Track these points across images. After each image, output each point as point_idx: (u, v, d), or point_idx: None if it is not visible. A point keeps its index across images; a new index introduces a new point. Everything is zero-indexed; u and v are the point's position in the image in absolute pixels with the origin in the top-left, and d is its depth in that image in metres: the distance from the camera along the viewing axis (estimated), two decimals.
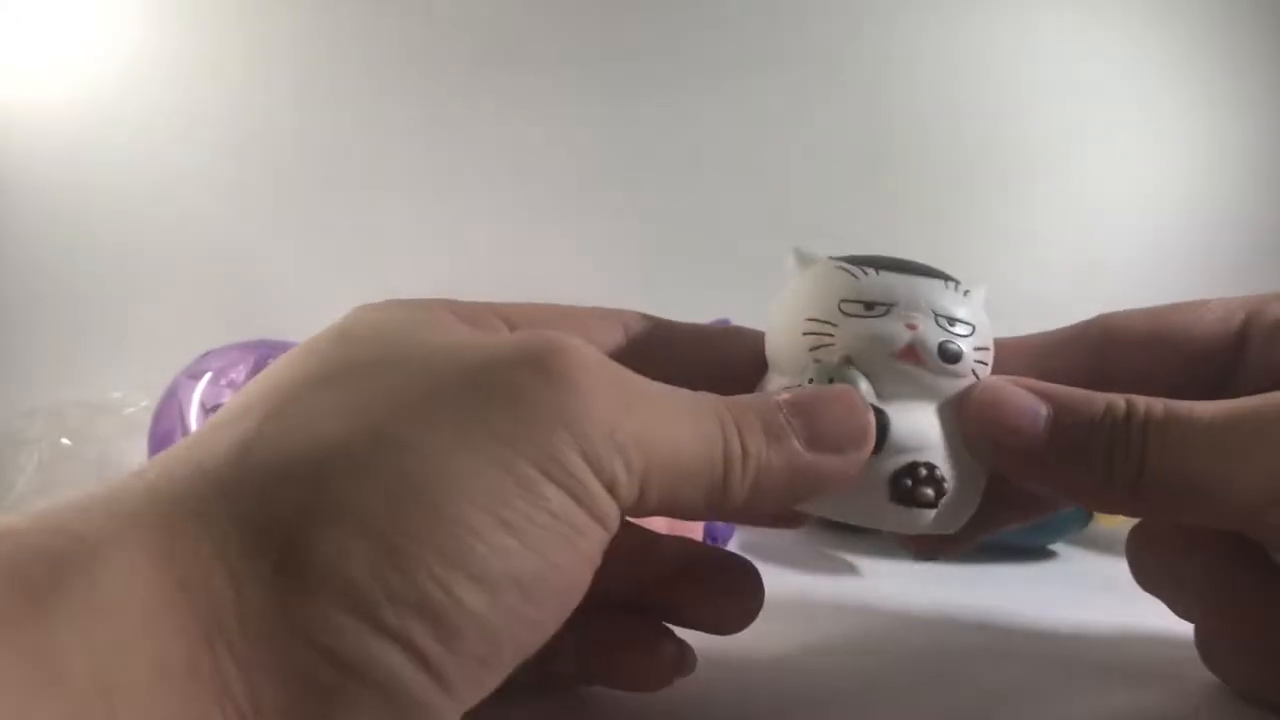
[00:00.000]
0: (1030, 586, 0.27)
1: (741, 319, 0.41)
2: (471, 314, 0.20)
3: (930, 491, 0.20)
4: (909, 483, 0.20)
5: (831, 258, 0.22)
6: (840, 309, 0.21)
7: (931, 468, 0.20)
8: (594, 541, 0.16)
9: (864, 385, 0.20)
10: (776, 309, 0.22)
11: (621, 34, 0.66)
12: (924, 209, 0.67)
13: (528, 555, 0.15)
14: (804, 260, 0.22)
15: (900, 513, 0.20)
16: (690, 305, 0.46)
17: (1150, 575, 0.24)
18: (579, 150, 0.66)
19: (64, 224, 0.64)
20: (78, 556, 0.13)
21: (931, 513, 0.20)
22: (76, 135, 0.64)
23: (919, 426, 0.20)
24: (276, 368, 0.17)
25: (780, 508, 0.19)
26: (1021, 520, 0.25)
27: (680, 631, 0.23)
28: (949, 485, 0.20)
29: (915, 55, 0.68)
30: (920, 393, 0.20)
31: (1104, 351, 0.23)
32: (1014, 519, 0.25)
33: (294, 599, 0.13)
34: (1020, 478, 0.20)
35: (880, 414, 0.19)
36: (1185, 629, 0.24)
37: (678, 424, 0.17)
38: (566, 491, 0.15)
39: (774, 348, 0.22)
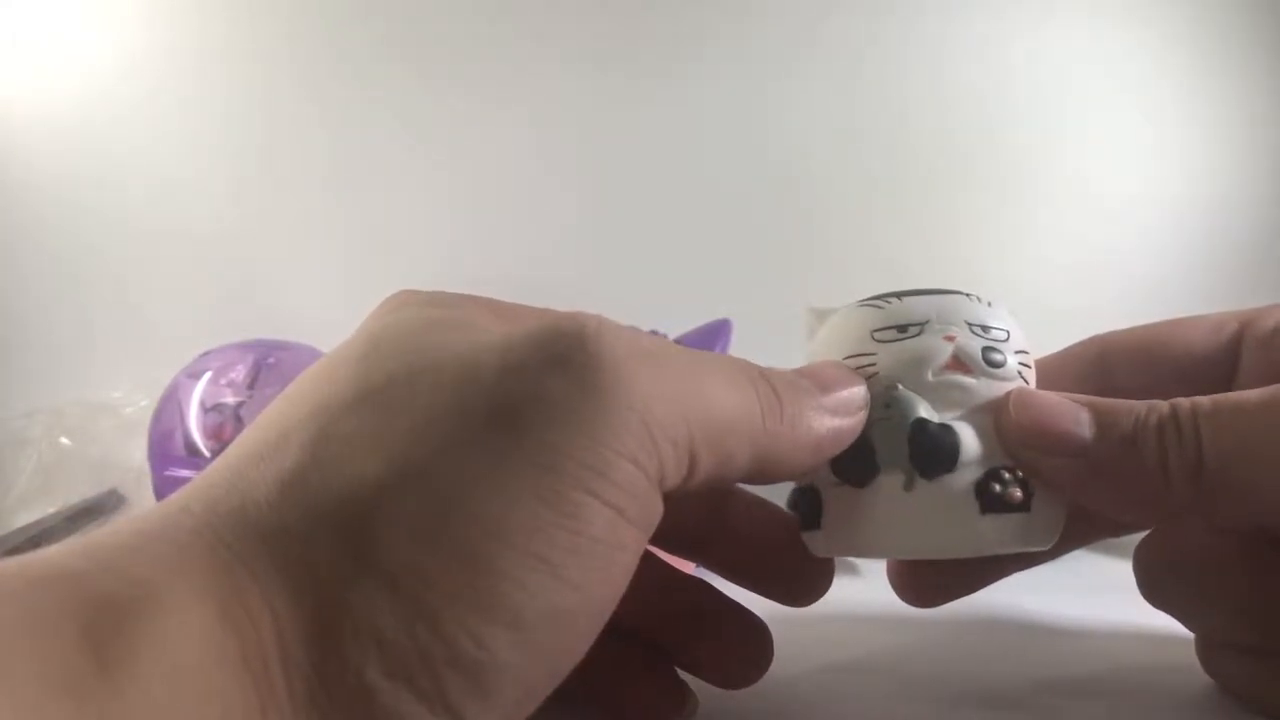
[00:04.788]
0: (1032, 587, 0.26)
1: (741, 319, 0.41)
2: (511, 315, 0.19)
3: (1019, 492, 0.19)
4: (996, 488, 0.19)
5: (848, 305, 0.22)
6: (874, 338, 0.21)
7: (1011, 469, 0.19)
8: (635, 552, 0.16)
9: (921, 407, 0.19)
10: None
11: (616, 27, 0.66)
12: (922, 210, 0.67)
13: (566, 590, 0.14)
14: (820, 315, 0.23)
15: (996, 523, 0.19)
16: (691, 304, 0.46)
17: (1160, 588, 0.24)
18: (580, 148, 0.66)
19: (63, 224, 0.64)
20: (141, 608, 0.12)
21: (1025, 516, 0.19)
22: (75, 135, 0.64)
23: (985, 436, 0.20)
24: (310, 385, 0.17)
25: (813, 464, 0.19)
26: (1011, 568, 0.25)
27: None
28: (1033, 486, 0.19)
29: (913, 53, 0.67)
30: (973, 403, 0.20)
31: (1103, 367, 0.24)
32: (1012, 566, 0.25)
33: (331, 660, 0.13)
34: (1068, 488, 0.20)
35: (948, 431, 0.19)
36: (1186, 631, 0.24)
37: (710, 379, 0.17)
38: (613, 508, 0.15)
39: None
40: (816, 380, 0.19)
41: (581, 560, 0.14)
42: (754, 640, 0.23)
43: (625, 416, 0.15)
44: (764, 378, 0.18)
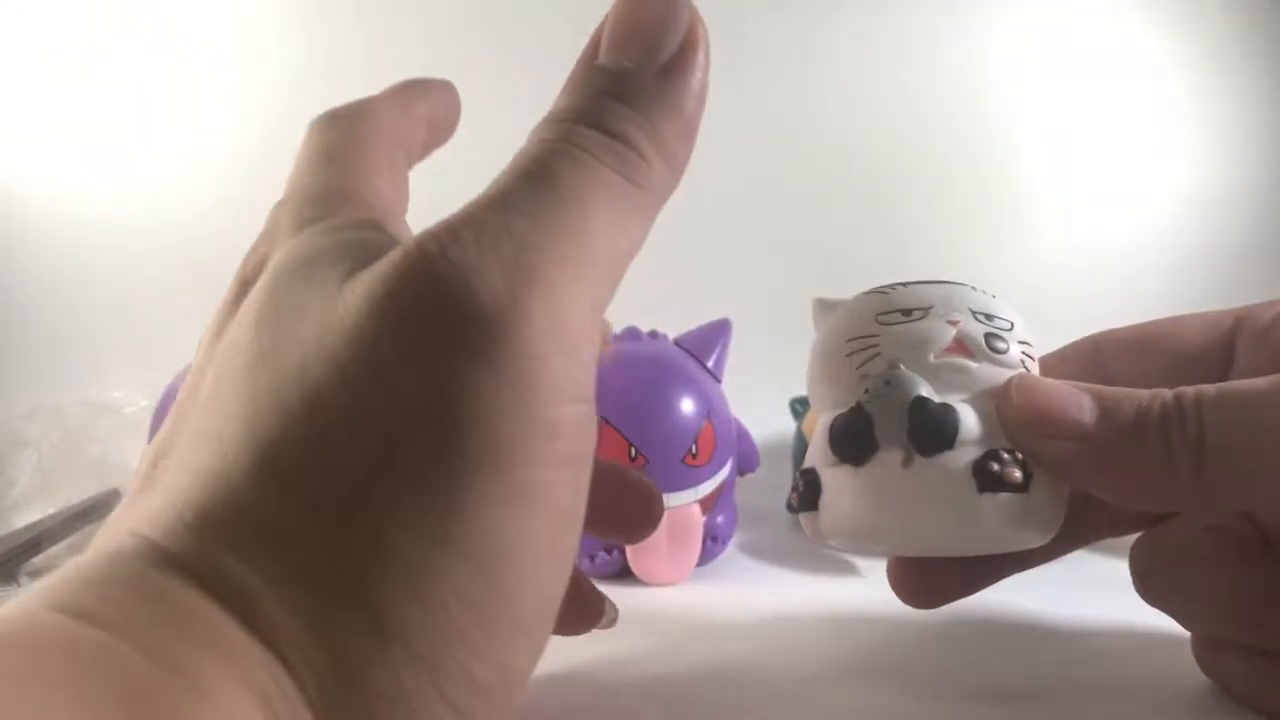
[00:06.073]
0: (1031, 587, 0.26)
1: (741, 319, 0.41)
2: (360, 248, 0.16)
3: (1018, 472, 0.19)
4: (995, 467, 0.19)
5: (855, 295, 0.22)
6: (878, 321, 0.21)
7: (1010, 450, 0.19)
8: (587, 490, 0.15)
9: (922, 386, 0.19)
10: (813, 354, 0.22)
11: None
12: (922, 209, 0.67)
13: (557, 568, 0.14)
14: (828, 306, 0.23)
15: (993, 503, 0.19)
16: (691, 304, 0.46)
17: (1156, 586, 0.24)
18: None
19: (64, 224, 0.64)
20: (194, 703, 0.12)
21: (1024, 498, 0.19)
22: (75, 135, 0.64)
23: (985, 419, 0.19)
24: (218, 415, 0.15)
25: (694, 131, 0.16)
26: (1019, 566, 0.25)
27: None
28: (1032, 468, 0.19)
29: (913, 52, 0.67)
30: (975, 387, 0.20)
31: (1099, 363, 0.24)
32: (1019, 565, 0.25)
33: None
34: (1069, 473, 0.19)
35: (948, 409, 0.19)
36: (1184, 631, 0.24)
37: (581, 221, 0.15)
38: (569, 466, 0.14)
39: (818, 384, 0.22)
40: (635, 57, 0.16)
41: (557, 534, 0.14)
42: (642, 493, 0.22)
43: (548, 360, 0.14)
44: (607, 143, 0.15)
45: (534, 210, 0.14)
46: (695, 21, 0.16)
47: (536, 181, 0.15)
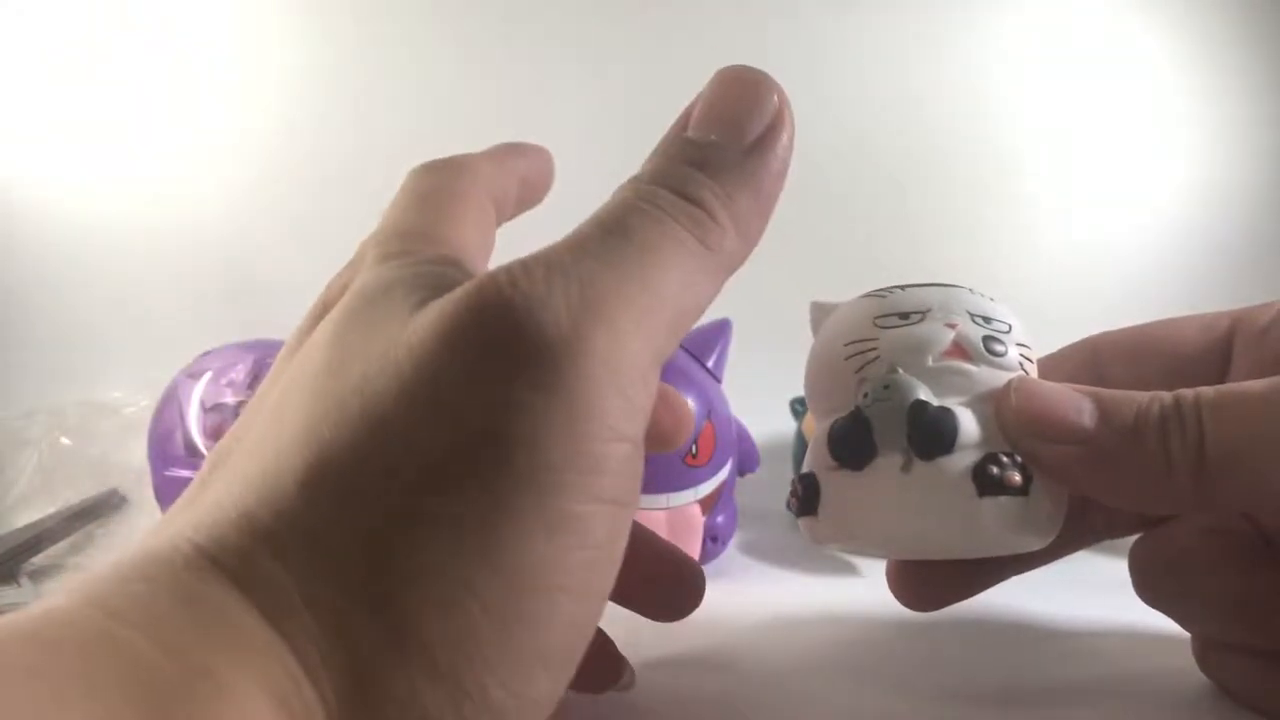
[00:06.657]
0: (1032, 588, 0.26)
1: (741, 319, 0.41)
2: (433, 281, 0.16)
3: (1018, 476, 0.19)
4: (994, 470, 0.19)
5: (853, 298, 0.22)
6: (876, 324, 0.21)
7: (1009, 454, 0.19)
8: (627, 534, 0.16)
9: (921, 390, 0.19)
10: (811, 358, 0.22)
11: (610, 29, 0.66)
12: (923, 210, 0.67)
13: (585, 603, 0.14)
14: (825, 309, 0.23)
15: (993, 507, 0.19)
16: None
17: (1156, 587, 0.24)
18: (578, 148, 0.66)
19: (64, 224, 0.64)
20: (207, 700, 0.12)
21: (1024, 501, 0.19)
22: (76, 135, 0.64)
23: (985, 422, 0.19)
24: (274, 419, 0.15)
25: (764, 224, 0.17)
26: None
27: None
28: (1032, 472, 0.19)
29: (913, 53, 0.67)
30: (974, 390, 0.20)
31: (1096, 366, 0.24)
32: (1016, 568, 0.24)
33: None
34: (1068, 477, 0.19)
35: (947, 413, 0.19)
36: (1185, 631, 0.24)
37: (651, 275, 0.15)
38: (612, 503, 0.14)
39: (816, 389, 0.22)
40: (730, 131, 0.17)
41: (590, 570, 0.14)
42: (686, 574, 0.23)
43: (601, 395, 0.14)
44: (684, 205, 0.16)
45: (605, 255, 0.15)
46: (783, 106, 0.17)
47: (611, 230, 0.15)
